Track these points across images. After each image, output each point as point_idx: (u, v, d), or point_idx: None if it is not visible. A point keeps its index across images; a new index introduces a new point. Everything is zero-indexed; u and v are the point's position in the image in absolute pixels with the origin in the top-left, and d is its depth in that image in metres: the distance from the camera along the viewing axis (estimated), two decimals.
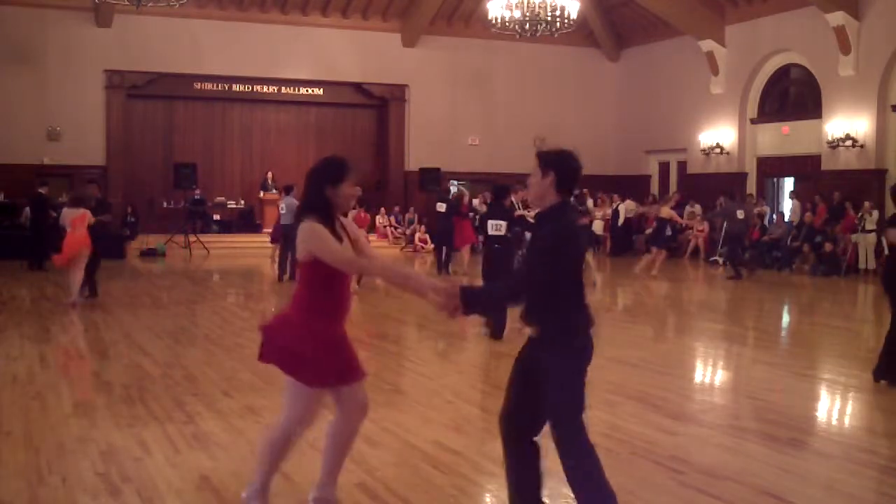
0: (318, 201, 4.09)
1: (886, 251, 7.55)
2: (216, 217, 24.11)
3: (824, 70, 20.13)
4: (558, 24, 18.33)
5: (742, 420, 6.71)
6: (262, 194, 23.66)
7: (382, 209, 24.16)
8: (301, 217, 4.12)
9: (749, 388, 7.84)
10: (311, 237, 4.02)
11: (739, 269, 17.40)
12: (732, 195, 18.74)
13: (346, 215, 4.39)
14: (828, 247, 18.50)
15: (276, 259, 16.55)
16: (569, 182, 3.96)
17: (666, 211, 17.68)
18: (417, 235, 23.87)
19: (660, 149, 25.55)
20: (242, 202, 24.52)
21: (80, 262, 12.00)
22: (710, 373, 9.07)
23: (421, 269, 18.91)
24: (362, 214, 14.28)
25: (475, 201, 20.66)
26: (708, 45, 22.89)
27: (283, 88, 24.48)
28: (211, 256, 21.39)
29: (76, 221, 11.95)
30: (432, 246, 21.39)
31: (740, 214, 17.61)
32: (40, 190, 18.97)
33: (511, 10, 18.25)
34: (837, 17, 19.15)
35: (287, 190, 16.86)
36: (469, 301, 3.89)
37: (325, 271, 4.06)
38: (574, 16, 18.36)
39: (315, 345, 4.08)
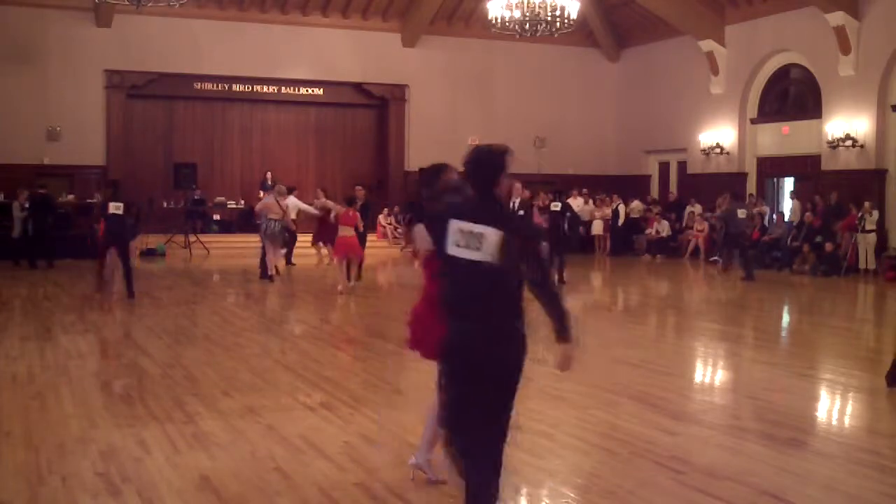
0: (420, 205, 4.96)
1: None
2: (216, 217, 24.11)
3: (824, 70, 20.12)
4: (558, 24, 18.33)
5: (742, 420, 6.70)
6: (261, 194, 23.60)
7: (385, 209, 24.13)
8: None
9: (749, 388, 7.83)
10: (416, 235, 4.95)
11: (750, 270, 16.99)
12: (736, 195, 18.64)
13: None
14: (828, 247, 18.50)
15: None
16: (469, 174, 4.15)
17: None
18: None
19: (660, 149, 25.54)
20: (242, 202, 24.51)
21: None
22: (710, 373, 9.06)
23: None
24: (350, 213, 14.20)
25: None
26: (708, 45, 22.88)
27: (283, 88, 24.47)
28: (211, 256, 21.40)
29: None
30: None
31: (742, 214, 17.54)
32: (41, 190, 19.00)
33: (511, 10, 18.24)
34: (837, 17, 19.14)
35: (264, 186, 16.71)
36: None
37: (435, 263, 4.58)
38: (574, 16, 18.35)
39: (413, 316, 4.90)
